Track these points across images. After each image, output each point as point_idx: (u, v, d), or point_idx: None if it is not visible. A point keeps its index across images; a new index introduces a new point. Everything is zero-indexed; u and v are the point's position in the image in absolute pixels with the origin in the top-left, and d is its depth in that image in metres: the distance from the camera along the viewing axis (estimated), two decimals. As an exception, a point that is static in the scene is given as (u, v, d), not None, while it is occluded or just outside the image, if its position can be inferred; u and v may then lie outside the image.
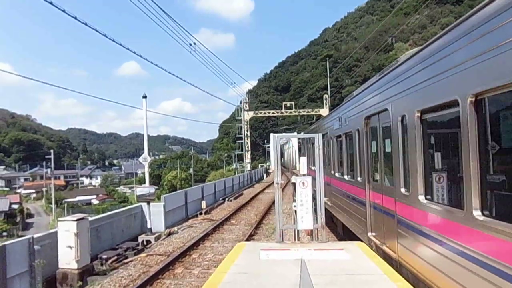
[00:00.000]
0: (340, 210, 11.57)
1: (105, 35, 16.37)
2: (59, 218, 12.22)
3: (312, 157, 15.49)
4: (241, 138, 63.22)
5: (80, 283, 10.58)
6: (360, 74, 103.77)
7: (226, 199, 28.55)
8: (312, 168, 14.62)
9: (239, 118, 63.85)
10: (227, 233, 16.33)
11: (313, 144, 14.78)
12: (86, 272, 11.10)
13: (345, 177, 10.64)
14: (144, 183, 19.82)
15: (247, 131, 61.95)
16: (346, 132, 10.42)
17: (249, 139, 62.78)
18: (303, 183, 7.84)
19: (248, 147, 62.14)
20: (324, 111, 55.64)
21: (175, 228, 17.30)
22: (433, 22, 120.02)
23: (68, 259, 10.88)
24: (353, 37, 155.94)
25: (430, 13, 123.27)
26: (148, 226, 16.00)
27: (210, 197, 26.56)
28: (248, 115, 61.53)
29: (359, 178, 8.91)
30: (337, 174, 11.98)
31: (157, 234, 15.75)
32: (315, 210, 8.16)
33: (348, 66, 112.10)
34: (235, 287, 5.24)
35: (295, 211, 8.40)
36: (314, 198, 8.18)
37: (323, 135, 15.17)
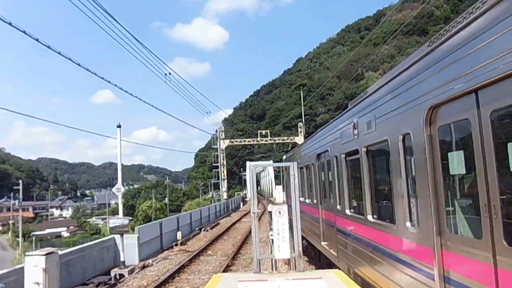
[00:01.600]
0: (304, 228, 13.57)
1: (78, 64, 16.30)
2: (27, 253, 11.67)
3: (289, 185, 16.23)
4: (217, 167, 62.96)
5: (48, 322, 10.04)
6: (333, 102, 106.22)
7: (202, 229, 28.07)
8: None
9: (215, 146, 63.80)
10: (203, 265, 15.98)
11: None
12: (54, 310, 10.57)
13: (307, 200, 12.88)
14: (118, 214, 19.30)
15: (223, 159, 61.79)
16: (306, 165, 12.74)
17: (225, 167, 62.53)
18: (279, 212, 7.81)
19: (224, 175, 61.82)
20: (299, 139, 56.31)
21: (150, 261, 16.81)
22: (401, 52, 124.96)
23: (35, 296, 10.34)
24: (325, 66, 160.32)
25: (398, 44, 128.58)
26: (121, 259, 15.48)
27: (186, 228, 26.07)
28: (224, 144, 61.53)
29: (315, 201, 11.29)
30: (301, 199, 13.87)
31: (130, 267, 15.25)
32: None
33: (322, 94, 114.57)
34: (212, 321, 5.09)
35: (272, 240, 8.33)
36: (291, 226, 8.16)
37: (286, 167, 16.06)
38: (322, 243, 10.31)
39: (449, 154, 4.15)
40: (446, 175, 4.13)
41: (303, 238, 13.67)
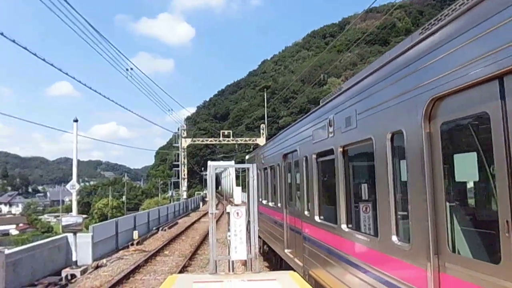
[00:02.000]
0: (265, 232, 13.21)
1: (35, 54, 15.64)
2: (-30, 252, 11.06)
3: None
4: (177, 165, 62.21)
5: (-9, 324, 9.56)
6: (296, 106, 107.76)
7: (160, 228, 27.64)
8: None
9: (176, 145, 63.01)
10: (160, 265, 15.75)
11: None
12: (-2, 312, 10.08)
13: (270, 203, 12.29)
14: (71, 211, 18.63)
15: (184, 158, 61.12)
16: (270, 165, 12.08)
17: (186, 166, 61.87)
18: (237, 213, 7.86)
19: (184, 174, 61.16)
20: (261, 140, 56.62)
21: (104, 261, 16.36)
22: (363, 60, 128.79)
23: (-22, 297, 9.82)
24: (290, 70, 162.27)
25: (361, 52, 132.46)
26: (74, 259, 14.95)
27: (143, 227, 25.57)
28: (185, 142, 60.87)
29: (279, 204, 10.69)
30: (264, 201, 13.54)
31: (83, 267, 14.77)
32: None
33: (285, 97, 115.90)
34: (164, 323, 5.06)
35: (230, 241, 8.36)
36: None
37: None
38: (286, 250, 9.75)
39: (455, 156, 3.63)
40: (450, 182, 3.58)
41: (264, 243, 13.80)
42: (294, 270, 7.64)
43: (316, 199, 7.29)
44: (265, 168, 13.05)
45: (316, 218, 7.16)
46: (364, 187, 5.85)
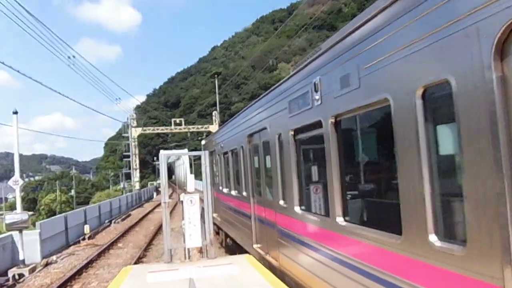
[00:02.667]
0: (228, 224, 12.02)
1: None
2: None
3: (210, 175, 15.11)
4: (128, 156, 60.58)
5: None
6: (248, 92, 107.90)
7: (113, 221, 26.98)
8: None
9: (126, 135, 61.20)
10: (113, 258, 15.43)
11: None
12: None
13: (232, 192, 11.02)
14: (16, 208, 17.69)
15: (135, 148, 59.62)
16: (232, 149, 10.79)
17: (137, 156, 60.43)
18: (191, 201, 7.88)
19: (136, 165, 59.74)
20: (214, 127, 56.38)
21: (54, 257, 15.76)
22: (312, 45, 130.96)
23: None
24: (240, 55, 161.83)
25: (309, 37, 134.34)
26: (21, 258, 14.26)
27: (95, 220, 24.82)
28: (136, 132, 59.32)
29: (244, 193, 9.38)
30: (225, 190, 12.17)
31: (31, 266, 14.14)
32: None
33: (236, 83, 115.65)
34: (119, 315, 5.02)
35: (184, 229, 8.37)
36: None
37: (211, 152, 14.13)
38: (255, 245, 8.61)
39: None
40: None
41: (227, 236, 12.98)
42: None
43: (296, 186, 5.97)
44: (225, 153, 11.70)
45: (297, 209, 5.93)
46: (370, 167, 4.86)
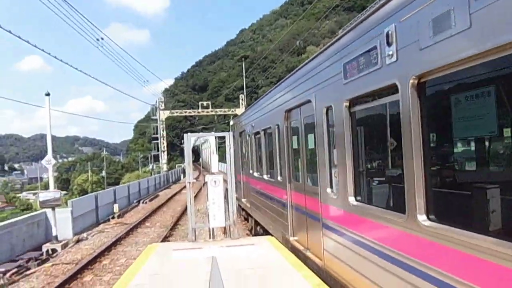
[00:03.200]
0: (259, 211, 10.93)
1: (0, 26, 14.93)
2: None
3: (238, 157, 13.63)
4: (157, 138, 61.65)
5: (-29, 300, 9.55)
6: (275, 75, 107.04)
7: (141, 201, 27.65)
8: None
9: (154, 117, 62.18)
10: (141, 237, 15.85)
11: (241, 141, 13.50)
12: (-22, 288, 10.04)
13: (265, 176, 9.96)
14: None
15: (163, 131, 60.55)
16: (265, 129, 9.65)
17: (165, 139, 61.42)
18: (215, 182, 7.95)
19: (164, 147, 60.78)
20: (240, 111, 56.40)
21: (84, 234, 16.34)
22: (341, 28, 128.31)
23: (-44, 275, 9.73)
24: (268, 38, 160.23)
25: (339, 19, 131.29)
26: (54, 234, 14.87)
27: (124, 200, 25.52)
28: (164, 115, 60.17)
29: (279, 178, 8.31)
30: (256, 174, 11.23)
31: (64, 242, 14.73)
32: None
33: (264, 67, 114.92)
34: (143, 289, 5.15)
35: (208, 210, 8.47)
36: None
37: (240, 133, 13.73)
38: (291, 238, 7.55)
39: None
40: None
41: (257, 223, 11.82)
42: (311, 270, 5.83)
43: (351, 172, 4.81)
44: (257, 133, 10.64)
45: (351, 200, 4.74)
46: (478, 149, 3.84)
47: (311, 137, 6.35)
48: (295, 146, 7.50)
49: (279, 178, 8.32)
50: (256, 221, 11.92)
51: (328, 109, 5.42)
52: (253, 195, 11.84)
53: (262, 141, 10.12)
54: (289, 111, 7.50)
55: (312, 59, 6.14)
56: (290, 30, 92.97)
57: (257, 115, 10.57)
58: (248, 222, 13.95)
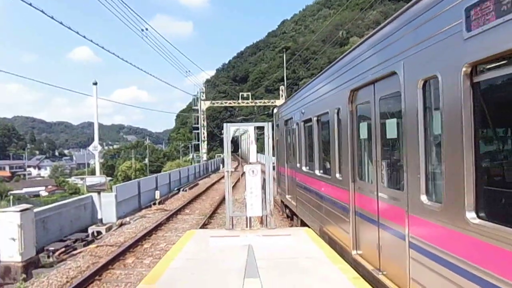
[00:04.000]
0: (308, 212, 9.51)
1: (52, 17, 15.69)
2: (1, 209, 11.66)
3: (282, 148, 13.10)
4: (197, 128, 62.74)
5: (24, 276, 10.19)
6: (317, 67, 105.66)
7: (181, 189, 28.34)
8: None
9: (196, 107, 63.24)
10: (180, 223, 16.27)
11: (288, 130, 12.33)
12: (30, 265, 10.70)
13: (317, 172, 8.49)
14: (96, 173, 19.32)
15: (204, 121, 61.51)
16: (319, 115, 8.24)
17: (205, 129, 62.38)
18: (253, 171, 8.00)
19: (204, 137, 61.78)
20: (280, 102, 56.27)
21: (127, 219, 16.99)
22: (387, 18, 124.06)
23: (11, 251, 10.42)
24: (310, 29, 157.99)
25: (385, 10, 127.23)
26: (99, 217, 15.59)
27: (165, 187, 26.27)
28: (205, 105, 61.05)
29: (337, 175, 6.93)
30: (304, 168, 9.83)
31: (108, 225, 15.41)
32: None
33: (305, 58, 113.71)
34: (182, 273, 5.31)
35: (246, 199, 8.56)
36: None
37: (286, 121, 12.55)
38: (354, 252, 6.05)
39: None
40: None
41: (304, 225, 10.04)
42: None
43: (471, 174, 3.26)
44: (307, 121, 9.28)
45: (470, 216, 3.23)
46: None
47: (391, 123, 4.94)
48: (363, 135, 5.93)
49: (337, 175, 6.93)
50: (303, 222, 10.37)
51: (427, 81, 3.92)
52: (300, 192, 10.43)
53: (315, 130, 8.65)
54: (355, 90, 6.01)
55: (400, 14, 4.59)
56: (333, 21, 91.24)
57: (308, 100, 9.12)
58: (293, 221, 12.46)
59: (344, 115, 6.43)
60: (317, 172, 8.50)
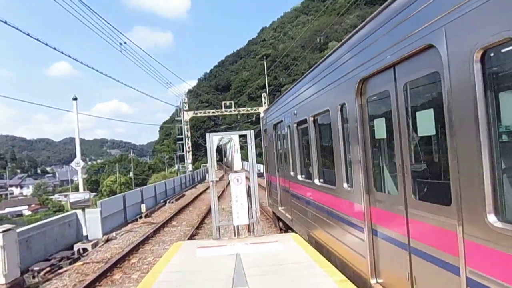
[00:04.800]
0: (307, 228, 8.23)
1: (28, 34, 15.51)
2: (-18, 231, 11.38)
3: (272, 155, 12.00)
4: (182, 139, 62.47)
5: (9, 298, 9.96)
6: (298, 73, 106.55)
7: (167, 201, 28.13)
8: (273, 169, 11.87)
9: (179, 118, 63.03)
10: (168, 235, 16.14)
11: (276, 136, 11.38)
12: (15, 286, 10.45)
13: (316, 181, 7.33)
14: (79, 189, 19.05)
15: (187, 131, 61.32)
16: (316, 114, 7.15)
17: (190, 139, 62.19)
18: (238, 180, 8.02)
19: (189, 147, 61.55)
20: (263, 109, 56.58)
21: (114, 234, 16.77)
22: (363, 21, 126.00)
23: (-6, 274, 10.18)
24: (289, 36, 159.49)
25: (361, 13, 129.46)
26: (84, 234, 15.34)
27: (151, 200, 26.03)
28: (188, 115, 60.92)
29: (345, 185, 5.79)
30: (300, 177, 8.71)
31: (94, 241, 15.17)
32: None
33: (286, 64, 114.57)
34: (168, 286, 5.28)
35: (232, 207, 8.57)
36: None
37: (275, 125, 11.33)
38: (373, 281, 4.97)
39: None
40: None
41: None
42: None
43: None
44: (302, 122, 8.08)
45: None
46: None
47: (425, 116, 3.86)
48: (379, 134, 4.82)
49: (344, 185, 5.77)
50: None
51: (487, 52, 2.85)
52: (295, 204, 9.21)
53: (311, 131, 7.47)
54: (366, 79, 4.89)
55: None
56: (311, 27, 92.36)
57: (301, 98, 7.93)
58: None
59: (352, 111, 5.28)
60: (316, 181, 7.30)
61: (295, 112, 8.47)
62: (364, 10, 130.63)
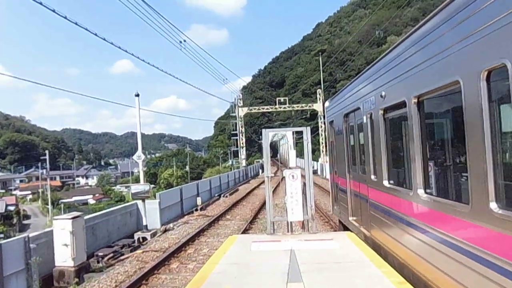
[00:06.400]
0: (400, 256, 5.55)
1: (95, 34, 16.43)
2: (55, 217, 12.34)
3: (341, 152, 9.41)
4: (236, 135, 63.34)
5: (77, 280, 10.70)
6: (354, 68, 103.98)
7: (222, 195, 28.71)
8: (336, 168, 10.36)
9: (233, 114, 63.94)
10: (222, 229, 16.49)
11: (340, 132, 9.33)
12: (82, 269, 11.23)
13: (420, 192, 4.82)
14: (140, 181, 20.00)
15: (241, 127, 62.03)
16: (425, 93, 4.66)
17: (244, 135, 62.87)
18: (293, 176, 8.01)
19: (243, 143, 62.25)
20: (318, 106, 55.94)
21: (171, 225, 17.44)
22: (425, 15, 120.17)
23: (64, 256, 10.99)
24: (346, 31, 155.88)
25: (422, 6, 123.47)
26: (144, 223, 16.13)
27: (206, 194, 26.72)
28: (242, 111, 61.58)
29: (495, 205, 3.33)
30: (386, 183, 6.25)
31: (153, 231, 15.89)
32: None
33: (342, 60, 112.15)
34: (225, 277, 5.40)
35: (286, 204, 8.58)
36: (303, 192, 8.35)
37: (345, 115, 9.07)
38: None
39: None
40: None
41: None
42: None
43: None
44: (394, 107, 5.85)
45: None
46: None
47: None
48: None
49: (492, 206, 3.28)
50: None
51: None
52: (377, 218, 6.73)
53: (413, 119, 4.94)
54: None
55: None
56: (369, 21, 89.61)
57: (395, 73, 5.60)
58: None
59: (479, 94, 3.35)
60: (420, 191, 4.81)
61: (383, 94, 6.18)
62: (426, 2, 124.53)
